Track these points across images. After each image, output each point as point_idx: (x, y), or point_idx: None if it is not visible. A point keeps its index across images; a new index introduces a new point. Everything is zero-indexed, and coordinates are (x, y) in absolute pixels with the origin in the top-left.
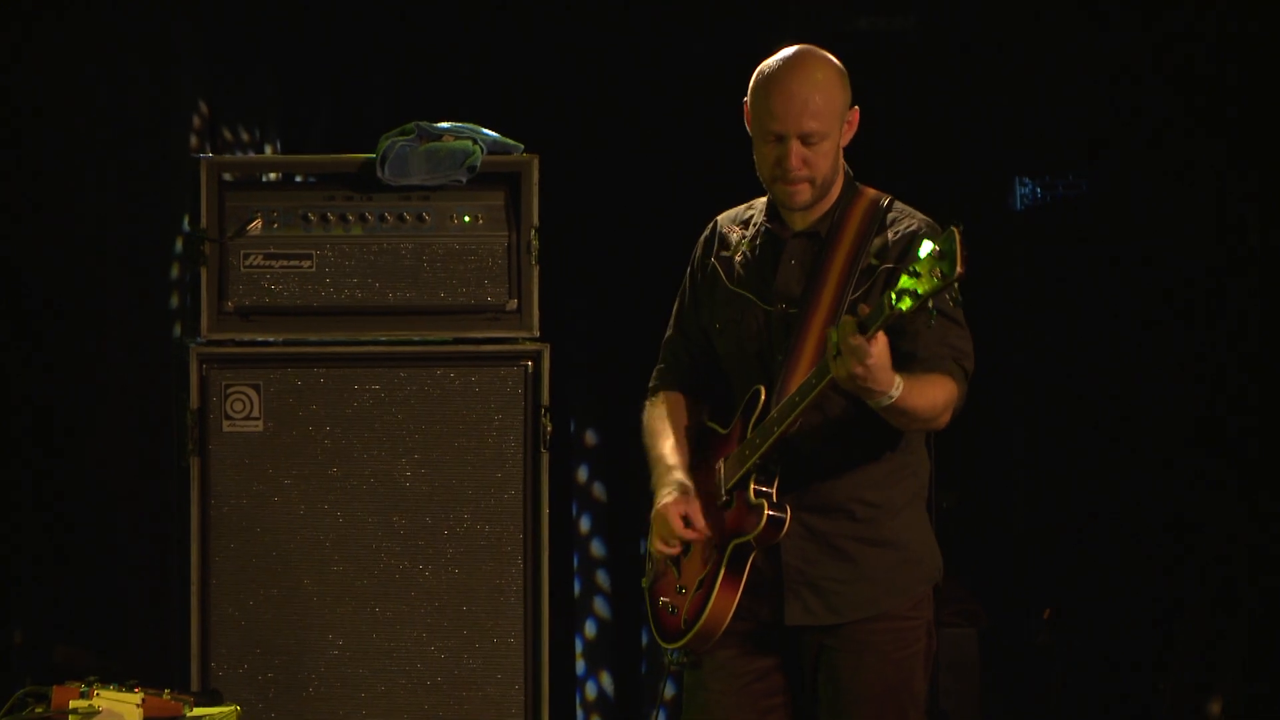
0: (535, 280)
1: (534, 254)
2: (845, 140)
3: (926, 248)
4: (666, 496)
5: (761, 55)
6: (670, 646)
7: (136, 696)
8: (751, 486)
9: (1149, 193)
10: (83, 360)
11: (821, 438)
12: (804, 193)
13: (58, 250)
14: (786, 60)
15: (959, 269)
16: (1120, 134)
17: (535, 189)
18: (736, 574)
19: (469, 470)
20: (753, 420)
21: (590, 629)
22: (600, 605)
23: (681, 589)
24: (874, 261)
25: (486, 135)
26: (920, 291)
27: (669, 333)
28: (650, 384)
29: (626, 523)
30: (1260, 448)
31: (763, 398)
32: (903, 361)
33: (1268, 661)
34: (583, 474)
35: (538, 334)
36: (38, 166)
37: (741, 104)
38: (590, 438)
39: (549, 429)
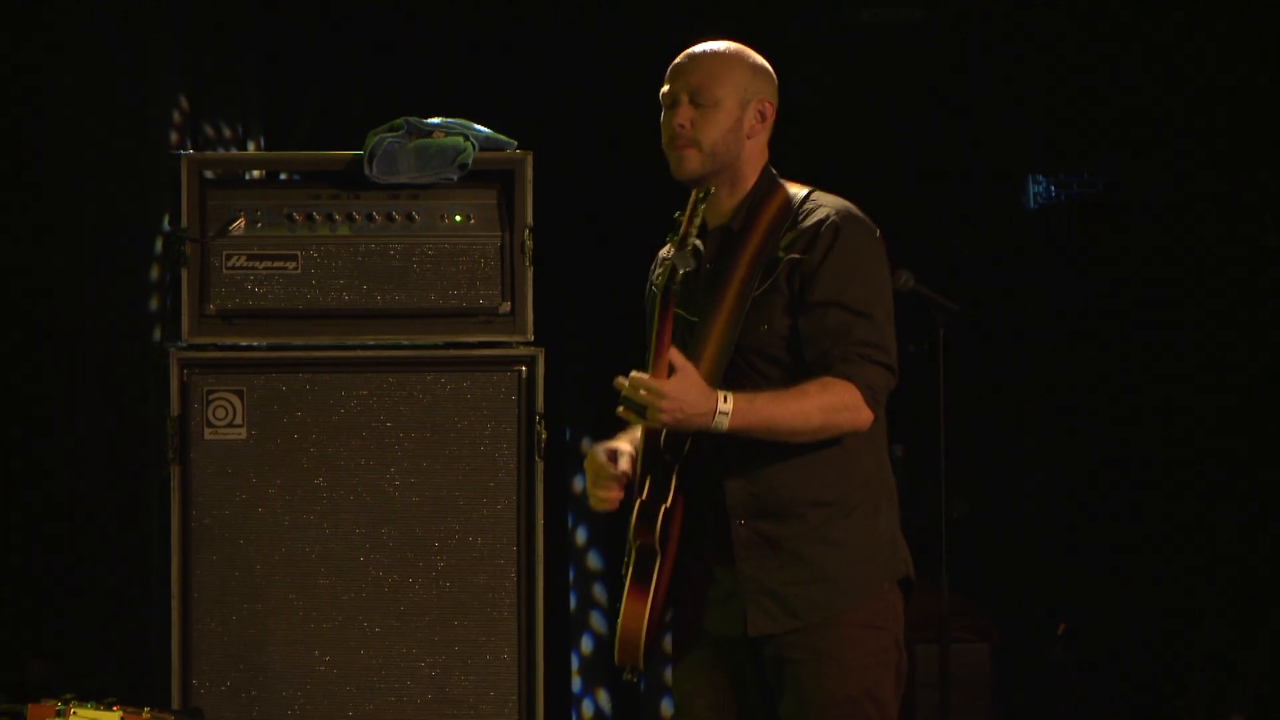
0: (529, 282)
1: (528, 255)
2: (753, 131)
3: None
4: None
5: (764, 49)
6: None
7: (115, 715)
8: (646, 488)
9: (1164, 191)
10: (59, 365)
11: (759, 445)
12: (690, 160)
13: (31, 251)
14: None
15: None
16: (1135, 131)
17: (529, 187)
18: (643, 581)
19: (460, 479)
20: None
21: (587, 645)
22: (597, 620)
23: (617, 603)
24: (780, 254)
25: (478, 131)
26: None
27: None
28: None
29: (625, 535)
30: None
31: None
32: (803, 373)
33: None
34: (578, 484)
35: (532, 338)
36: (10, 162)
37: None
38: (586, 446)
39: (543, 436)
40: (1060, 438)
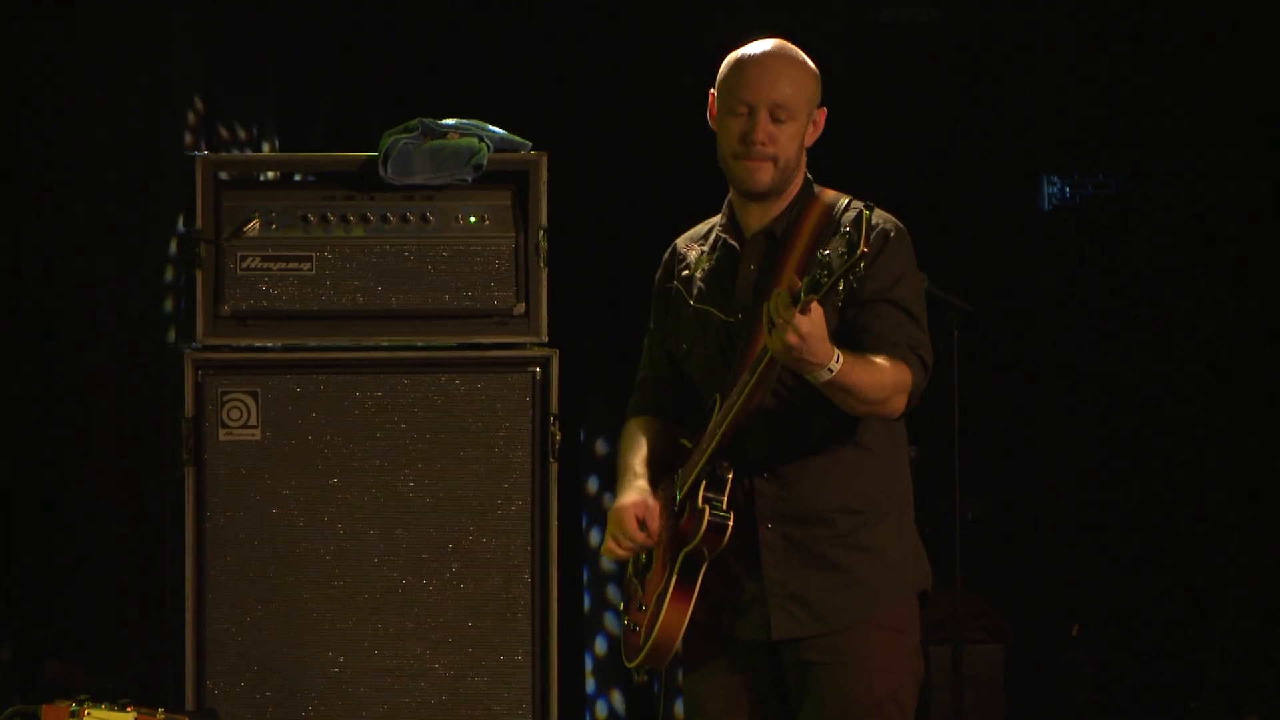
0: (544, 283)
1: (542, 256)
2: (810, 139)
3: (844, 226)
4: (624, 498)
5: None
6: (631, 665)
7: (129, 716)
8: (700, 493)
9: (1179, 192)
10: (73, 366)
11: (794, 450)
12: (766, 171)
13: (47, 252)
14: (762, 43)
15: (860, 248)
16: (1150, 132)
17: (544, 188)
18: (688, 585)
19: (475, 481)
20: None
21: (600, 645)
22: (611, 621)
23: (643, 606)
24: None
25: (493, 132)
26: (835, 267)
27: (642, 362)
28: (626, 413)
29: None
30: None
31: (719, 405)
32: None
33: None
34: (593, 485)
35: (546, 339)
36: (26, 164)
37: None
38: (600, 447)
39: (558, 438)
40: (1074, 438)
